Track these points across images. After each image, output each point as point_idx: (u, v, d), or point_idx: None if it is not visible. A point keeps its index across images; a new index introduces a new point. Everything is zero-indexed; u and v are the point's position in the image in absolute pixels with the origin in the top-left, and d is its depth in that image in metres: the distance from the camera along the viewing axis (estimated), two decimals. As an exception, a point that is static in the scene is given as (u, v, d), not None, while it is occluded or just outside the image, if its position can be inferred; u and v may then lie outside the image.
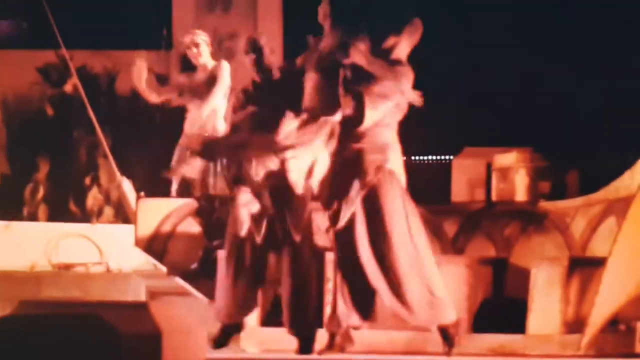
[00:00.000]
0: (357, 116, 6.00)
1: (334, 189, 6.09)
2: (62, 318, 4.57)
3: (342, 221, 6.02)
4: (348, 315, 6.06)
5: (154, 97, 7.75)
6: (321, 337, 6.19)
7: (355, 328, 6.13)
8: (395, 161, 6.11)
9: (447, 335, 6.11)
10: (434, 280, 6.06)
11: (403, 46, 6.15)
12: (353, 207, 6.01)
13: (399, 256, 6.00)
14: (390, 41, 6.14)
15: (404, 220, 6.02)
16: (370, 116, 5.99)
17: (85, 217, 10.15)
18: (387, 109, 6.05)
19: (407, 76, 6.12)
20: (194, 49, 7.51)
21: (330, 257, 6.85)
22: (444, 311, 6.07)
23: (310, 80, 6.19)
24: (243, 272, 6.29)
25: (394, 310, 6.05)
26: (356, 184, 6.02)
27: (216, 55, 7.72)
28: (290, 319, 6.17)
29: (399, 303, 6.00)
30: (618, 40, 10.39)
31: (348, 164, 6.09)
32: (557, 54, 10.69)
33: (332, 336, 6.16)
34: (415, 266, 6.02)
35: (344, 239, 6.05)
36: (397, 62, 6.12)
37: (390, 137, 6.13)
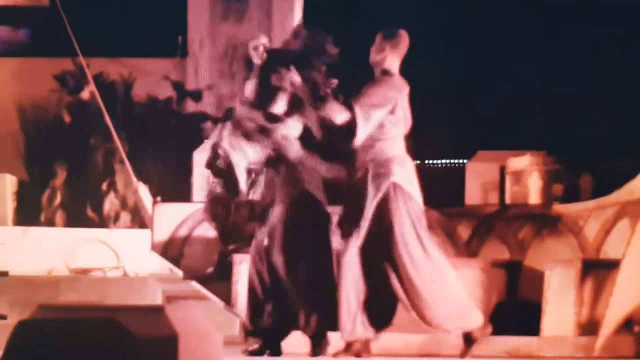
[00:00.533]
0: (351, 127, 6.03)
1: (346, 207, 6.14)
2: (79, 322, 4.61)
3: (359, 239, 6.06)
4: (356, 328, 6.08)
5: None
6: (339, 340, 6.22)
7: (369, 340, 6.15)
8: (401, 174, 6.10)
9: (469, 338, 6.12)
10: (455, 288, 6.07)
11: (391, 59, 6.19)
12: (366, 224, 6.05)
13: (414, 268, 6.01)
14: (377, 57, 6.19)
15: (414, 233, 6.04)
16: (364, 126, 6.03)
17: (102, 222, 10.20)
18: (381, 118, 6.08)
19: (399, 89, 6.16)
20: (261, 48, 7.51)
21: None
22: (470, 317, 6.06)
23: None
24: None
25: (418, 321, 6.05)
26: (366, 201, 6.06)
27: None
28: (304, 321, 6.21)
29: (422, 314, 6.02)
30: (632, 41, 10.37)
31: (357, 182, 6.12)
32: (571, 56, 10.68)
33: (349, 344, 6.19)
34: (433, 277, 6.02)
35: (360, 255, 6.08)
36: (388, 73, 6.18)
37: (394, 151, 6.12)
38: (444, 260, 6.10)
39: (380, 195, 6.04)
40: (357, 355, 6.12)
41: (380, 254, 6.04)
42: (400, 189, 6.06)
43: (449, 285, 6.03)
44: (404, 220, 6.03)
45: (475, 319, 6.07)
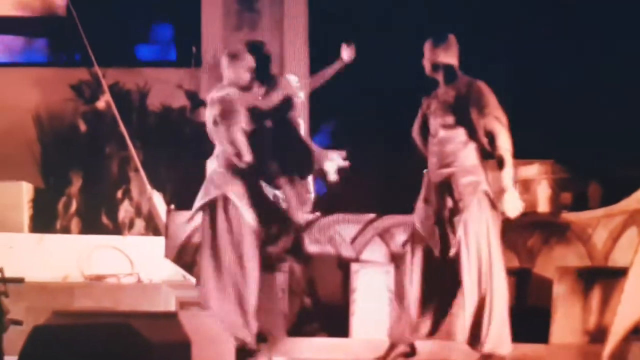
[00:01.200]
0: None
1: (427, 209, 6.14)
2: (94, 328, 4.68)
3: (454, 248, 6.08)
4: (416, 328, 6.13)
5: None
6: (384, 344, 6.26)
7: (418, 339, 6.20)
8: (486, 181, 6.19)
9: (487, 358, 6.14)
10: (503, 308, 6.12)
11: (452, 59, 6.32)
12: (458, 232, 6.06)
13: (469, 278, 6.06)
14: (438, 59, 6.26)
15: (486, 243, 6.11)
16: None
17: (116, 229, 10.26)
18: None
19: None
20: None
21: (355, 267, 6.96)
22: (503, 341, 6.10)
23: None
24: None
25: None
26: (455, 209, 6.07)
27: None
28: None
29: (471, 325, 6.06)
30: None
31: (440, 190, 6.14)
32: (578, 65, 10.69)
33: (394, 344, 6.23)
34: (490, 292, 6.07)
35: (439, 259, 6.12)
36: (455, 72, 6.27)
37: (477, 157, 6.21)
38: (504, 279, 6.12)
39: (472, 202, 6.05)
40: (404, 356, 6.14)
41: (452, 259, 6.05)
42: (489, 196, 6.12)
43: (499, 304, 6.06)
44: (490, 228, 6.08)
45: (504, 346, 6.08)
